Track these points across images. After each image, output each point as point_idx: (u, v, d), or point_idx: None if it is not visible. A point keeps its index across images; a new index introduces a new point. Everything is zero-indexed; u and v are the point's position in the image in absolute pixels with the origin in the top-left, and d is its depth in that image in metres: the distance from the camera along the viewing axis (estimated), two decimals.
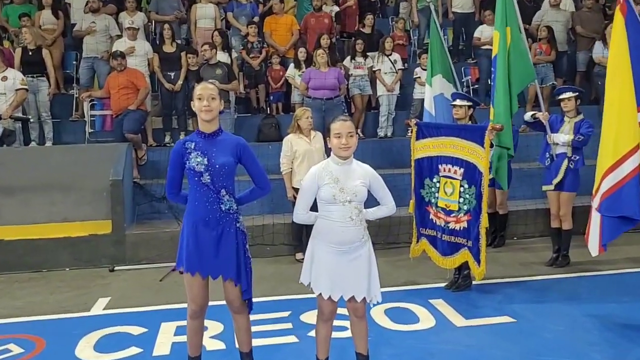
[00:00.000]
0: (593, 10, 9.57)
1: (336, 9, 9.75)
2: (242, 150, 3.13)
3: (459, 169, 4.80)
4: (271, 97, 8.77)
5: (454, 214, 4.85)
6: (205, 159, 3.03)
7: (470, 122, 5.13)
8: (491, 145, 4.62)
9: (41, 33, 8.37)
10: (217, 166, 3.04)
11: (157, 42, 8.67)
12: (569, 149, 5.44)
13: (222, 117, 7.30)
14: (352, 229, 3.10)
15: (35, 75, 7.50)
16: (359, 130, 8.43)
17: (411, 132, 5.21)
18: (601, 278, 5.31)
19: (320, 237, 3.16)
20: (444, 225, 4.93)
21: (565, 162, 5.45)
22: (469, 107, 5.10)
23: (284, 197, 6.19)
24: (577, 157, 5.44)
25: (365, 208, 3.24)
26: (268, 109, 8.95)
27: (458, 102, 5.11)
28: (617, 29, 4.13)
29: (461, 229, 4.81)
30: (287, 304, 4.72)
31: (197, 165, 3.02)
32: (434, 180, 5.01)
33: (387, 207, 3.33)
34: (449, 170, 4.88)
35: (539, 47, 8.79)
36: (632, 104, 4.10)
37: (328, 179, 3.10)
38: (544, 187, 5.64)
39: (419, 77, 8.35)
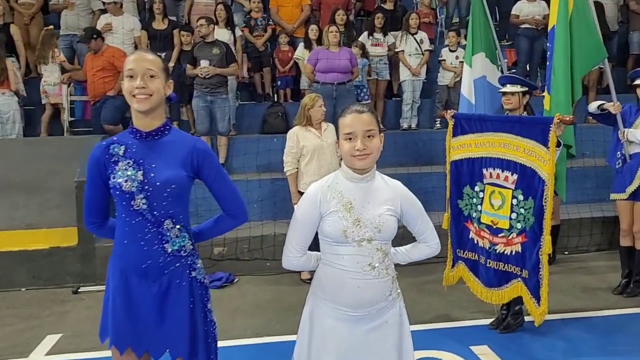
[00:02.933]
0: None
1: None
2: (201, 158, 2.03)
3: (512, 174, 3.66)
4: (278, 82, 7.65)
5: (503, 234, 3.72)
6: (140, 173, 1.95)
7: (525, 113, 3.96)
8: (558, 144, 3.46)
9: (17, 8, 7.33)
10: (157, 184, 1.96)
11: (147, 18, 7.58)
12: None
13: (220, 105, 6.39)
14: (373, 284, 2.03)
15: None
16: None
17: (447, 126, 4.08)
18: None
19: (323, 295, 2.08)
20: (490, 248, 3.80)
21: None
22: (524, 93, 3.92)
23: (288, 201, 5.14)
24: None
25: (393, 246, 2.16)
26: (275, 95, 7.84)
27: (509, 87, 3.92)
28: None
29: (513, 253, 3.68)
30: (285, 347, 3.64)
31: (125, 182, 1.94)
32: (476, 188, 3.88)
33: (428, 246, 2.24)
34: (498, 177, 3.75)
35: None
36: None
37: (336, 203, 2.02)
38: (614, 196, 4.47)
39: (444, 60, 7.19)
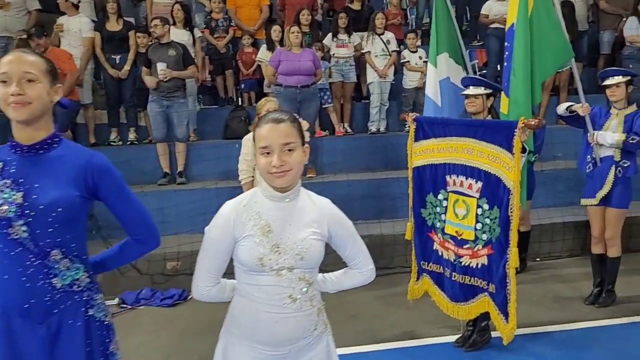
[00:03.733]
0: None
1: None
2: (97, 175, 1.73)
3: (476, 182, 3.43)
4: (242, 86, 7.37)
5: (468, 245, 3.49)
6: (19, 195, 1.64)
7: (489, 116, 3.73)
8: (523, 150, 3.24)
9: None
10: (40, 207, 1.65)
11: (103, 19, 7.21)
12: (617, 152, 4.08)
13: (177, 109, 6.06)
14: (294, 318, 1.76)
15: None
16: (344, 125, 7.07)
17: (409, 129, 3.84)
18: None
19: (237, 331, 1.80)
20: (455, 260, 3.56)
21: (613, 169, 4.09)
22: (488, 95, 3.69)
23: None
24: (628, 163, 4.09)
25: (322, 272, 1.90)
26: (239, 99, 7.56)
27: (472, 89, 3.69)
28: None
29: (479, 266, 3.45)
30: None
31: (1, 206, 1.63)
32: (440, 197, 3.65)
33: (360, 272, 1.97)
34: (462, 184, 3.51)
35: None
36: None
37: (252, 226, 1.75)
38: (584, 201, 4.28)
39: (408, 62, 6.98)
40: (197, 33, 6.82)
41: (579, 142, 4.65)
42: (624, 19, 7.62)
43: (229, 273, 1.87)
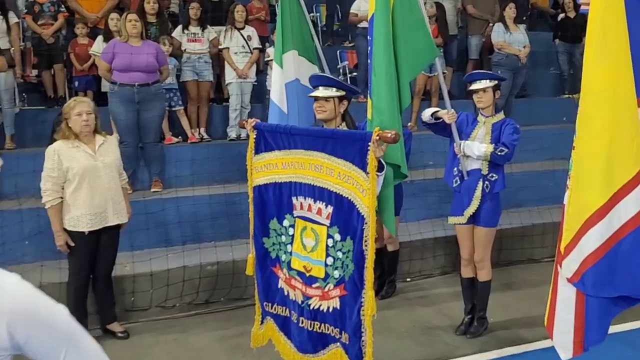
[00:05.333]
0: None
1: None
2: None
3: (325, 206, 2.77)
4: (76, 83, 6.24)
5: (317, 284, 2.82)
6: None
7: (343, 124, 3.09)
8: (380, 168, 2.62)
9: None
10: None
11: None
12: (484, 165, 3.65)
13: None
14: None
15: None
16: (200, 131, 6.21)
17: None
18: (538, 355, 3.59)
19: None
20: (303, 302, 2.88)
21: (480, 183, 3.66)
22: (340, 99, 3.05)
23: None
24: (496, 177, 3.67)
25: None
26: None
27: (321, 91, 3.03)
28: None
29: (331, 310, 2.78)
30: None
31: None
32: (285, 223, 2.95)
33: None
34: (309, 209, 2.84)
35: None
36: (631, 100, 2.31)
37: None
38: (452, 220, 3.81)
39: (272, 60, 6.29)
40: (13, 19, 5.61)
41: None
42: (491, 24, 7.53)
43: None
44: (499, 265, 5.03)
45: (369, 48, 3.15)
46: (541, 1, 10.69)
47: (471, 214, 3.67)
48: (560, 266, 2.50)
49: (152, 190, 5.28)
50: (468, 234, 3.76)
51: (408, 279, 4.97)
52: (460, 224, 3.75)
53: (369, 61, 3.17)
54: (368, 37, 3.17)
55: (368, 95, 3.11)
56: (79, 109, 3.66)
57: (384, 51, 3.03)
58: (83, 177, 3.64)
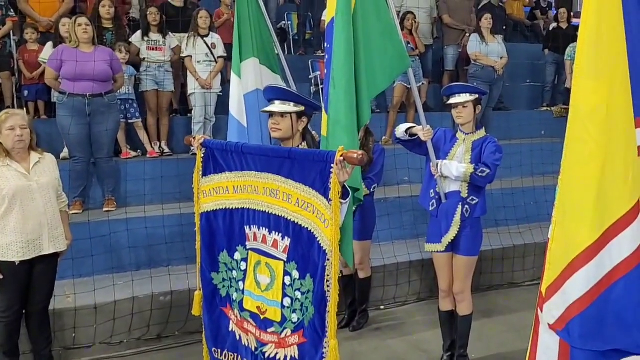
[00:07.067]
0: None
1: None
2: None
3: (282, 238, 2.39)
4: (25, 92, 5.78)
5: (273, 329, 2.43)
6: None
7: (304, 144, 2.71)
8: (344, 195, 2.25)
9: None
10: None
11: None
12: (463, 187, 3.30)
13: None
14: None
15: None
16: (161, 144, 5.78)
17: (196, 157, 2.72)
18: None
19: None
20: (257, 349, 2.49)
21: (460, 207, 3.31)
22: (299, 115, 2.65)
23: None
24: (477, 200, 3.32)
25: None
26: (24, 110, 5.91)
27: (277, 105, 2.64)
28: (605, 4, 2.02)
29: (288, 359, 2.40)
30: None
31: None
32: (237, 256, 2.56)
33: None
34: (264, 240, 2.46)
35: (404, 37, 6.78)
36: (626, 121, 1.98)
37: None
38: (429, 247, 3.45)
39: None
40: None
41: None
42: (467, 34, 7.29)
43: None
44: (478, 291, 4.71)
45: (327, 57, 2.76)
46: (517, 12, 10.56)
47: (450, 241, 3.32)
48: (541, 310, 2.14)
49: (104, 209, 4.84)
50: (446, 263, 3.41)
51: (382, 307, 4.60)
52: (437, 251, 3.39)
53: (325, 71, 2.79)
54: (326, 45, 2.78)
55: (324, 109, 2.73)
56: (12, 123, 3.23)
57: (345, 60, 2.66)
58: (14, 200, 3.20)
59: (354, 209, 2.74)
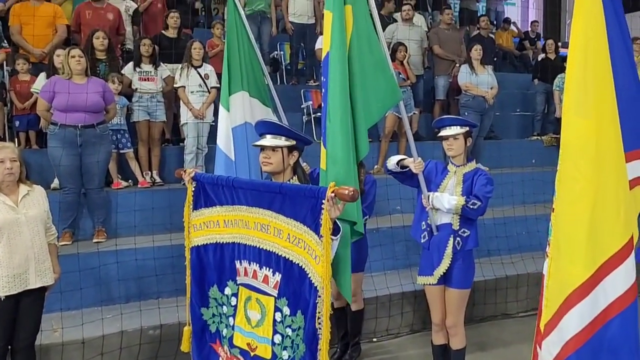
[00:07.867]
0: (451, 27, 8.04)
1: (133, 5, 7.07)
2: None
3: (273, 273, 2.37)
4: (17, 123, 5.77)
5: None
6: None
7: (295, 178, 2.70)
8: (335, 231, 2.24)
9: None
10: None
11: None
12: (455, 219, 3.30)
13: None
14: None
15: None
16: (152, 174, 5.77)
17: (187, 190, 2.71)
18: None
19: None
20: None
21: (451, 240, 3.31)
22: (290, 149, 2.67)
23: None
24: (468, 232, 3.32)
25: None
26: (16, 140, 5.91)
27: (268, 139, 2.64)
28: (591, 25, 2.06)
29: None
30: None
31: None
32: (227, 291, 2.54)
33: None
34: (255, 275, 2.43)
35: (395, 68, 6.85)
36: (616, 157, 2.00)
37: None
38: (421, 280, 3.44)
39: None
40: None
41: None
42: (457, 65, 7.39)
43: None
44: (471, 322, 4.67)
45: (323, 90, 2.79)
46: (506, 43, 10.75)
47: (442, 273, 3.30)
48: (540, 347, 2.13)
49: (94, 240, 4.80)
50: (439, 295, 3.38)
51: (374, 339, 4.54)
52: (429, 284, 3.37)
53: (322, 104, 2.81)
54: (322, 78, 2.82)
55: (322, 144, 2.74)
56: (2, 156, 3.21)
57: (340, 93, 2.69)
58: (1, 233, 3.15)
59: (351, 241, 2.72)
